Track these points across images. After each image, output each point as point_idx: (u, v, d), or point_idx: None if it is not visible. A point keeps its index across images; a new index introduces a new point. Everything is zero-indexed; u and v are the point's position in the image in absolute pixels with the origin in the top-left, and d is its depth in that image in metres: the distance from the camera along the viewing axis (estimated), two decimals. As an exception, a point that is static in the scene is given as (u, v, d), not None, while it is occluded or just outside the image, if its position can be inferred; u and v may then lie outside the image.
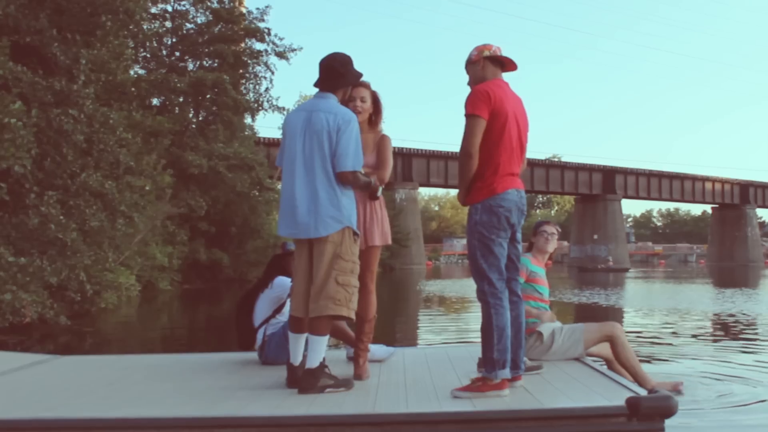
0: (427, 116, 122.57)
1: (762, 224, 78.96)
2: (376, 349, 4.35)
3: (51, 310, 9.66)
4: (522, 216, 3.39)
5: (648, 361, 5.90)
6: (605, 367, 3.99)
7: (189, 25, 25.55)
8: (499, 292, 3.27)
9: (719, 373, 5.40)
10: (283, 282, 4.37)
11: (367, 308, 3.74)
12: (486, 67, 3.39)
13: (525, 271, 4.08)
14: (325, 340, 3.43)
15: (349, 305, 3.38)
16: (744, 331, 8.96)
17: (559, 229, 4.40)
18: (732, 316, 10.89)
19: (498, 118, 3.27)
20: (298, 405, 3.12)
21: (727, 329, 9.30)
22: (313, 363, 3.38)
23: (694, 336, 8.50)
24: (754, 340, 8.06)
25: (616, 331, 4.07)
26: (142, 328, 10.81)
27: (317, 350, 3.40)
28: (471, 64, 3.44)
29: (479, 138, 3.25)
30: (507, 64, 3.43)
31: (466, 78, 3.50)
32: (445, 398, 3.22)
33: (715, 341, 8.02)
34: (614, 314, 11.92)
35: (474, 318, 10.02)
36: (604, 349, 4.18)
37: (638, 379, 3.96)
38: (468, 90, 3.43)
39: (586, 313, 11.96)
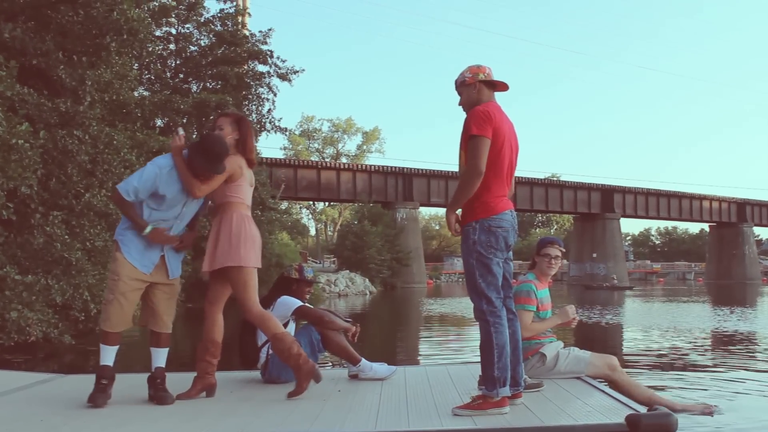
0: (427, 136, 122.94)
1: (759, 242, 78.16)
2: (378, 368, 4.39)
3: (56, 329, 9.67)
4: (516, 236, 3.44)
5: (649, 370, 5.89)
6: (605, 384, 3.99)
7: (193, 48, 25.81)
8: (498, 311, 3.29)
9: (722, 390, 5.39)
10: (285, 302, 4.41)
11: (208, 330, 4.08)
12: (481, 90, 3.43)
13: (536, 300, 4.08)
14: (103, 349, 3.83)
15: (101, 315, 3.87)
16: (745, 349, 8.94)
17: (563, 249, 4.36)
18: (732, 333, 10.85)
19: (497, 140, 3.30)
20: (301, 422, 3.14)
21: (730, 347, 9.27)
22: None
23: (696, 353, 8.48)
24: (755, 358, 8.04)
25: (615, 362, 4.12)
26: (146, 347, 10.76)
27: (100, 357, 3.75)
28: (465, 86, 3.45)
29: (486, 157, 3.25)
30: (498, 86, 3.48)
31: None
32: (447, 416, 3.23)
33: (718, 358, 7.99)
34: (616, 331, 11.86)
35: (474, 336, 10.03)
36: (604, 367, 4.18)
37: (639, 399, 3.94)
38: (459, 110, 3.49)
39: (592, 331, 11.91)
